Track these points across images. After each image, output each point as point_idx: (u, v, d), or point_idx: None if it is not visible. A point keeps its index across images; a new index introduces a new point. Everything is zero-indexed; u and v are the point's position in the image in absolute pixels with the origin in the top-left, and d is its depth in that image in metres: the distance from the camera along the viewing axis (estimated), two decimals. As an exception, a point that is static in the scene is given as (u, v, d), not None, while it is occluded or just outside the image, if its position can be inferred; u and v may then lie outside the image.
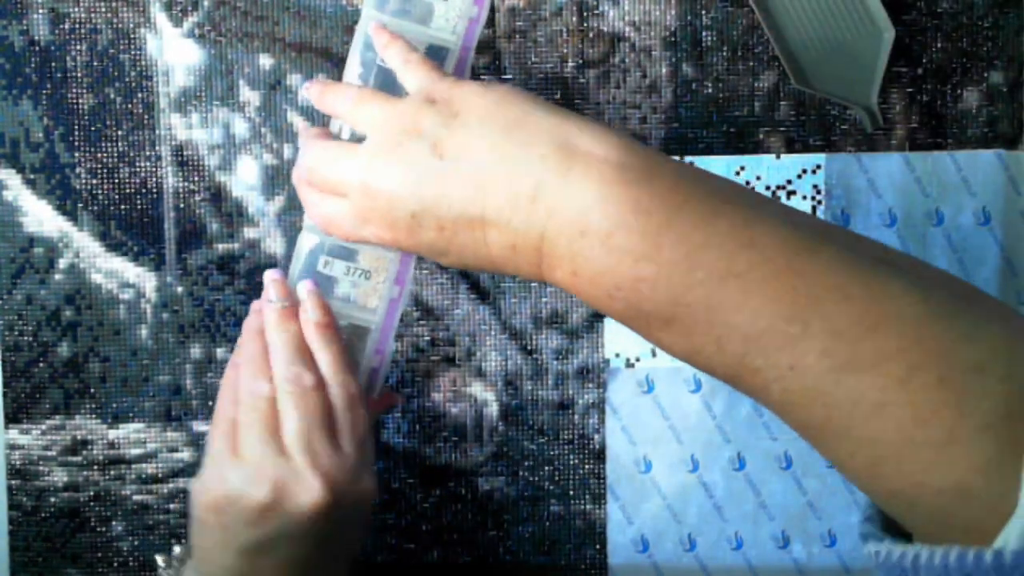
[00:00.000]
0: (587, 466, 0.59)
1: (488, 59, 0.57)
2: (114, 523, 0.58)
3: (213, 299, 0.58)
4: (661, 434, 0.59)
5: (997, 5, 0.57)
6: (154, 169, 0.57)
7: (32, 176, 0.57)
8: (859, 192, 0.58)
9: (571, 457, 0.59)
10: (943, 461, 0.32)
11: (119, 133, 0.57)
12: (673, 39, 0.57)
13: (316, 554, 0.46)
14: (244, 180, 0.57)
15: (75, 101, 0.57)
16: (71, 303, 0.58)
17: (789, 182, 0.58)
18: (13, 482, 0.58)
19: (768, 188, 0.58)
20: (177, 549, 0.58)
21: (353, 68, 0.50)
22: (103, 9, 0.57)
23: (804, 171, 0.58)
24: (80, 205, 0.57)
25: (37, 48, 0.57)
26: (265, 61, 0.57)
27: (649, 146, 0.40)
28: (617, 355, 0.58)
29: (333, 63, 0.57)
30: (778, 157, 0.58)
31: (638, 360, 0.58)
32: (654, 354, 0.58)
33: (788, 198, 0.58)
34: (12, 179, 0.57)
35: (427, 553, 0.59)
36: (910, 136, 0.58)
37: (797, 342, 0.34)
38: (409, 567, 0.59)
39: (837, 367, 0.34)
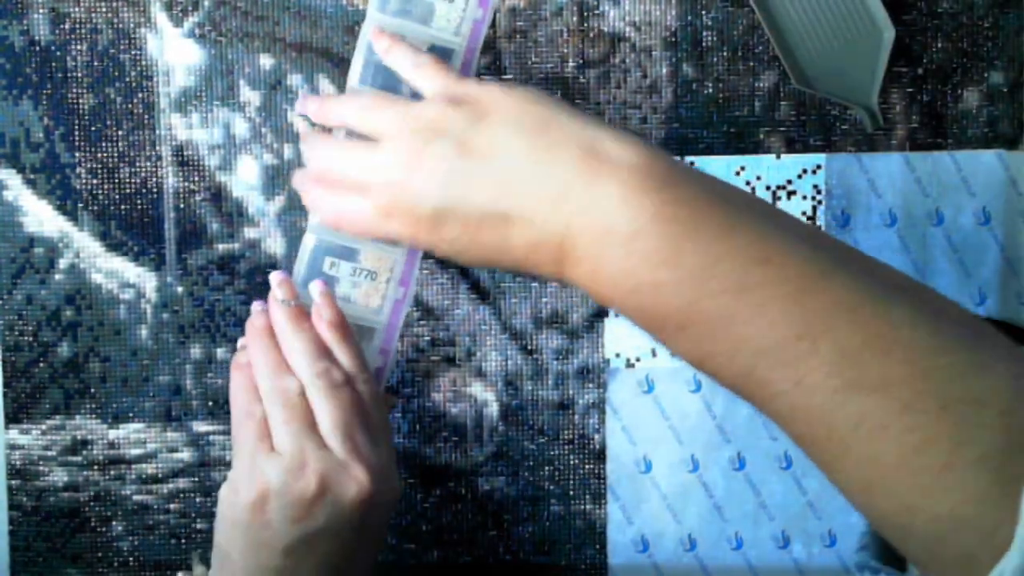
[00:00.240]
0: (587, 466, 0.59)
1: (488, 59, 0.57)
2: (114, 523, 0.58)
3: (213, 299, 0.58)
4: (661, 434, 0.59)
5: (997, 5, 0.57)
6: (154, 169, 0.57)
7: (32, 176, 0.57)
8: (859, 192, 0.58)
9: (571, 457, 0.59)
10: (939, 487, 0.33)
11: (119, 133, 0.57)
12: (673, 39, 0.57)
13: (352, 550, 0.46)
14: (244, 180, 0.57)
15: (75, 101, 0.57)
16: (71, 303, 0.58)
17: (789, 182, 0.58)
18: (13, 482, 0.58)
19: (768, 188, 0.58)
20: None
21: (356, 69, 0.50)
22: (103, 9, 0.57)
23: (804, 171, 0.58)
24: (80, 205, 0.57)
25: (37, 48, 0.57)
26: (265, 61, 0.57)
27: (671, 155, 0.41)
28: (617, 355, 0.58)
29: (333, 63, 0.57)
30: (778, 157, 0.58)
31: (638, 360, 0.58)
32: (654, 354, 0.58)
33: (788, 198, 0.58)
34: (12, 179, 0.57)
35: (427, 553, 0.59)
36: (910, 136, 0.58)
37: (805, 359, 0.35)
38: (409, 567, 0.59)
39: (843, 387, 0.34)
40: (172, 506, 0.59)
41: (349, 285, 0.51)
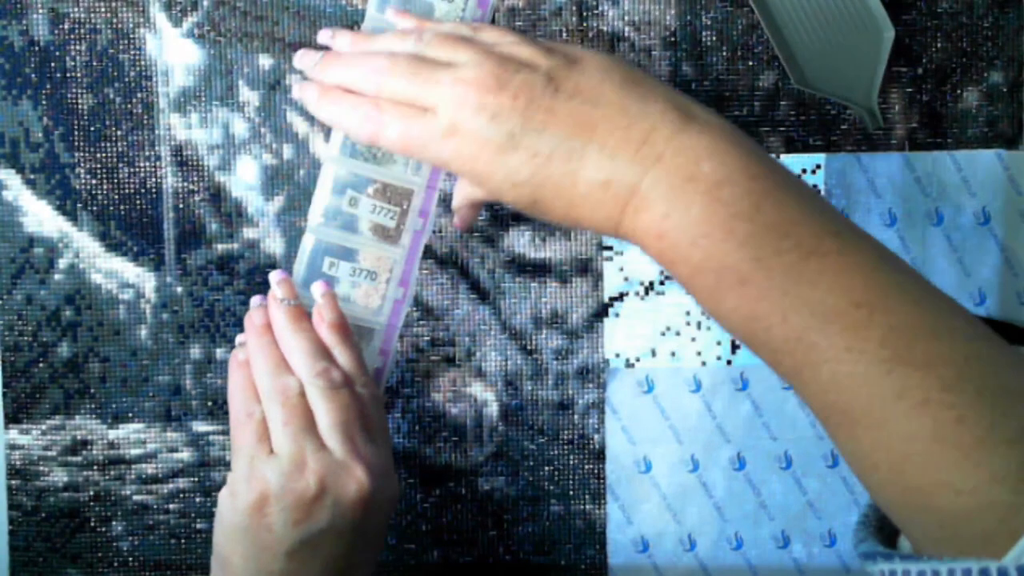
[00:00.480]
0: (587, 466, 0.59)
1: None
2: (114, 523, 0.58)
3: (213, 299, 0.58)
4: (661, 434, 0.59)
5: (997, 5, 0.57)
6: (154, 169, 0.57)
7: (32, 176, 0.57)
8: (859, 192, 0.58)
9: (571, 457, 0.59)
10: (969, 463, 0.34)
11: (119, 133, 0.57)
12: (673, 39, 0.57)
13: (354, 550, 0.46)
14: (244, 180, 0.57)
15: (75, 101, 0.57)
16: (71, 303, 0.58)
17: (789, 182, 0.58)
18: (13, 482, 0.58)
19: (768, 188, 0.58)
20: None
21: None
22: (103, 9, 0.57)
23: (804, 171, 0.58)
24: (80, 205, 0.57)
25: (37, 48, 0.57)
26: (265, 61, 0.57)
27: None
28: (617, 355, 0.58)
29: (333, 63, 0.57)
30: (778, 157, 0.58)
31: (638, 360, 0.58)
32: (654, 354, 0.58)
33: (788, 198, 0.58)
34: (12, 179, 0.57)
35: (427, 553, 0.59)
36: (910, 136, 0.58)
37: (860, 327, 0.36)
38: (409, 567, 0.59)
39: (890, 358, 0.35)
40: (172, 506, 0.59)
41: (348, 285, 0.51)
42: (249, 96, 0.57)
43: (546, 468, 0.59)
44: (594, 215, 0.40)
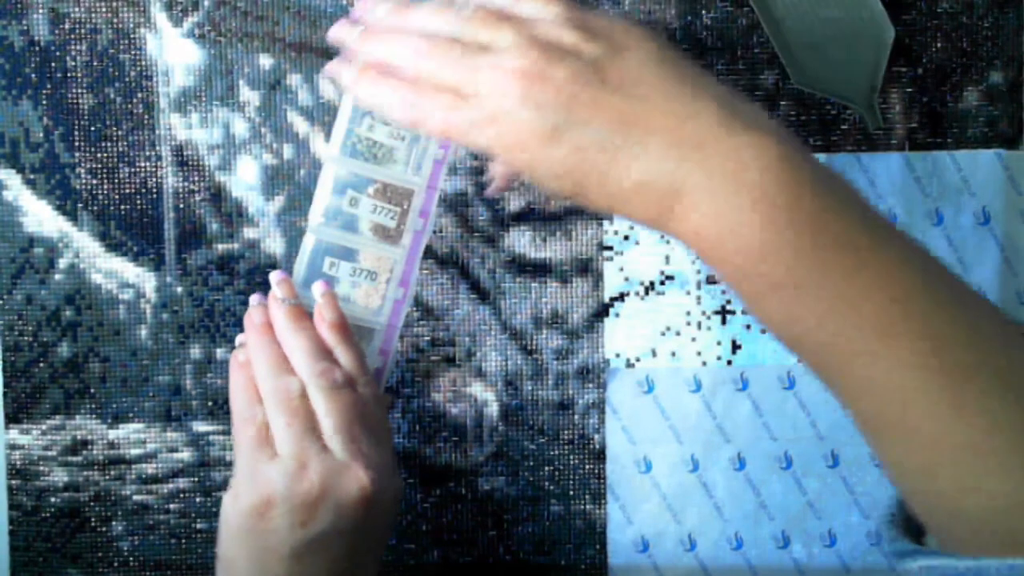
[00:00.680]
0: (587, 466, 0.59)
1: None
2: (114, 523, 0.58)
3: (213, 299, 0.58)
4: (661, 434, 0.59)
5: (997, 5, 0.57)
6: (154, 169, 0.57)
7: (32, 176, 0.57)
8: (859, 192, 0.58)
9: (571, 457, 0.59)
10: (1003, 468, 0.34)
11: (119, 133, 0.57)
12: (673, 38, 0.57)
13: (358, 551, 0.46)
14: (244, 180, 0.57)
15: (75, 101, 0.57)
16: (71, 303, 0.58)
17: (789, 182, 0.58)
18: (13, 482, 0.58)
19: (768, 188, 0.58)
20: None
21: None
22: (103, 9, 0.57)
23: (804, 171, 0.58)
24: (80, 205, 0.57)
25: (37, 48, 0.57)
26: (265, 61, 0.57)
27: None
28: (617, 355, 0.58)
29: (333, 63, 0.57)
30: (778, 157, 0.58)
31: (638, 360, 0.58)
32: (654, 354, 0.58)
33: (788, 198, 0.58)
34: (12, 179, 0.57)
35: (427, 553, 0.59)
36: (910, 136, 0.58)
37: (895, 332, 0.36)
38: (409, 567, 0.59)
39: (924, 365, 0.35)
40: (172, 506, 0.59)
41: (349, 285, 0.51)
42: (249, 96, 0.57)
43: (546, 468, 0.59)
44: (635, 211, 0.40)
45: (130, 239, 0.57)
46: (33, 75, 0.57)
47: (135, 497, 0.58)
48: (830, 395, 0.39)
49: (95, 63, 0.57)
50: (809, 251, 0.37)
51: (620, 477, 0.59)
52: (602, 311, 0.58)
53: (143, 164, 0.57)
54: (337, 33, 0.46)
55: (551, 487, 0.59)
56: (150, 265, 0.58)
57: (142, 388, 0.58)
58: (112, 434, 0.58)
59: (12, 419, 0.58)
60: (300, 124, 0.57)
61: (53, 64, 0.57)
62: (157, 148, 0.57)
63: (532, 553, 0.59)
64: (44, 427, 0.58)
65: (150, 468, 0.58)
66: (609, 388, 0.58)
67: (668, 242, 0.58)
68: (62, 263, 0.57)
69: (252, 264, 0.58)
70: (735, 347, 0.58)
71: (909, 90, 0.58)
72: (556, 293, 0.58)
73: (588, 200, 0.40)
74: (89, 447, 0.58)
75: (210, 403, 0.58)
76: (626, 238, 0.58)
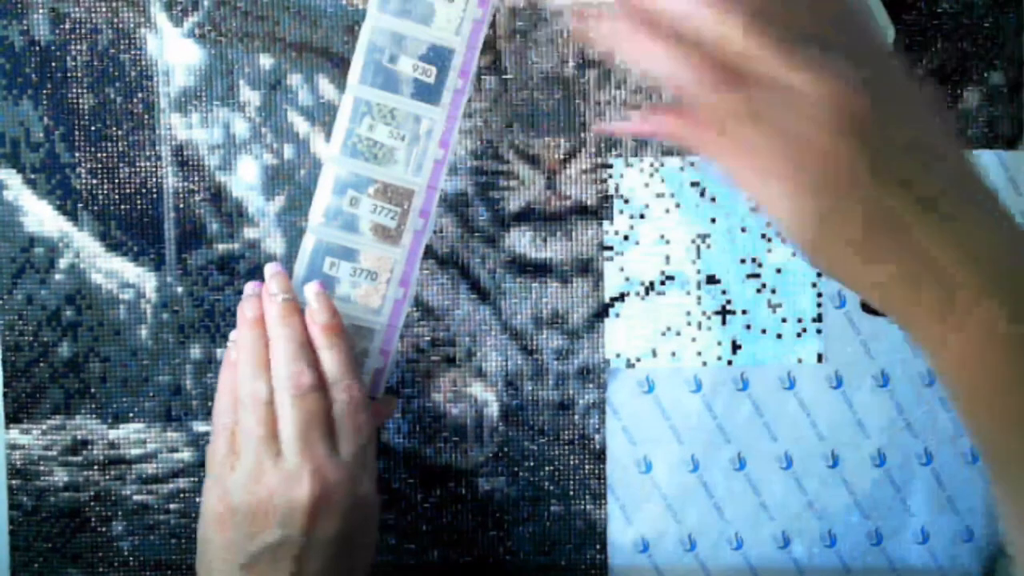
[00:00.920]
0: (587, 466, 0.59)
1: (488, 59, 0.57)
2: (114, 523, 0.58)
3: (213, 299, 0.58)
4: (661, 434, 0.59)
5: (997, 5, 0.57)
6: (154, 169, 0.57)
7: (32, 176, 0.57)
8: (859, 192, 0.58)
9: (571, 457, 0.59)
10: None
11: (119, 133, 0.57)
12: (673, 39, 0.57)
13: (328, 560, 0.46)
14: (244, 180, 0.57)
15: (75, 101, 0.57)
16: (71, 303, 0.58)
17: (789, 182, 0.58)
18: (13, 482, 0.58)
19: (768, 188, 0.58)
20: None
21: (357, 70, 0.50)
22: (103, 9, 0.57)
23: (804, 171, 0.58)
24: (80, 205, 0.57)
25: (37, 48, 0.57)
26: (265, 61, 0.57)
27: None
28: (617, 355, 0.58)
29: (333, 63, 0.57)
30: (778, 157, 0.58)
31: (638, 360, 0.58)
32: (654, 354, 0.58)
33: (788, 198, 0.58)
34: (12, 179, 0.57)
35: (427, 553, 0.59)
36: (910, 136, 0.58)
37: None
38: (409, 567, 0.59)
39: None
40: (172, 506, 0.59)
41: (349, 285, 0.51)
42: (250, 96, 0.57)
43: (546, 468, 0.59)
44: (906, 311, 0.36)
45: (130, 239, 0.58)
46: (33, 75, 0.57)
47: (135, 497, 0.58)
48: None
49: (95, 63, 0.57)
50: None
51: (620, 477, 0.59)
52: (602, 311, 0.58)
53: (143, 164, 0.57)
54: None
55: (551, 487, 0.59)
56: (150, 265, 0.58)
57: (142, 388, 0.58)
58: (112, 434, 0.58)
59: (12, 419, 0.58)
60: (300, 124, 0.57)
61: (53, 64, 0.57)
62: (157, 148, 0.57)
63: (532, 553, 0.59)
64: (44, 427, 0.58)
65: (150, 468, 0.58)
66: (609, 388, 0.59)
67: (668, 242, 0.58)
68: (62, 263, 0.57)
69: (252, 264, 0.58)
70: (735, 347, 0.58)
71: (909, 90, 0.58)
72: (556, 293, 0.58)
73: (853, 281, 0.37)
74: (89, 447, 0.58)
75: (210, 403, 0.58)
76: (626, 238, 0.58)
